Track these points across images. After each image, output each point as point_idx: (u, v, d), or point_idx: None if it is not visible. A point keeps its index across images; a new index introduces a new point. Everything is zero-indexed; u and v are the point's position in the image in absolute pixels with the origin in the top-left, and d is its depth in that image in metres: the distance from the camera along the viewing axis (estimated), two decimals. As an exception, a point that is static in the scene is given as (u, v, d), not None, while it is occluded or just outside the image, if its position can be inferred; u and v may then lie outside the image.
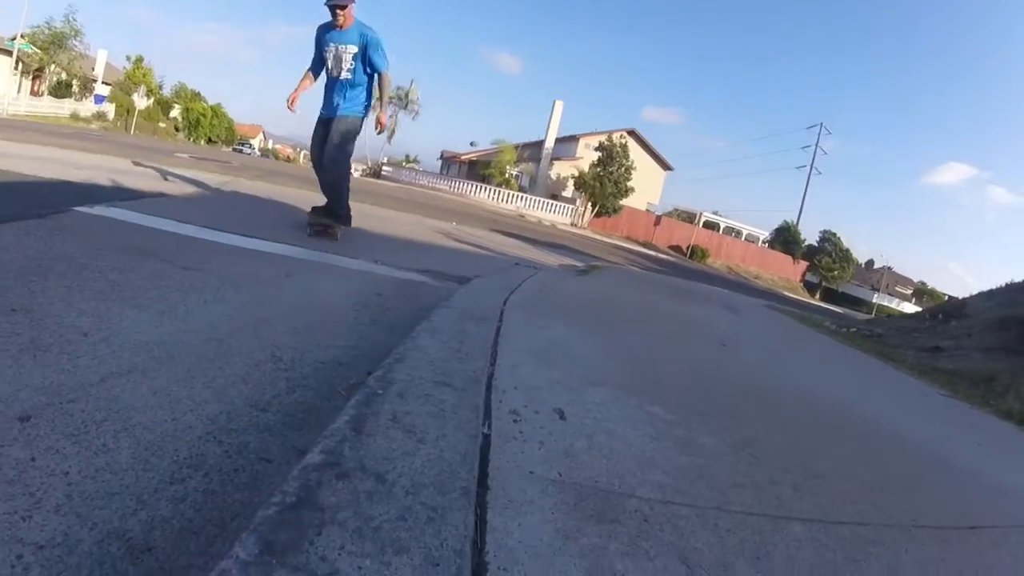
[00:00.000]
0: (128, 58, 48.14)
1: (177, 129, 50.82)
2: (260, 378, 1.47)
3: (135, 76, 45.46)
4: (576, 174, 34.54)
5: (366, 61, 4.28)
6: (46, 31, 36.80)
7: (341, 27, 4.20)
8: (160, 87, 51.47)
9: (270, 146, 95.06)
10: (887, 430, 2.04)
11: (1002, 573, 1.17)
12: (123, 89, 43.74)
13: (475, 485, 0.95)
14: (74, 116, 36.32)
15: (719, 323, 4.25)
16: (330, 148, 4.29)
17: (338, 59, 4.26)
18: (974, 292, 8.69)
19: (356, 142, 4.49)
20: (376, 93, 4.51)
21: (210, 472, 1.06)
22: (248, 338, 1.72)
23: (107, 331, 1.55)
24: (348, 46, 4.25)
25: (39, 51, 36.77)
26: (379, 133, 4.11)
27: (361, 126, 4.48)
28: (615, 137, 34.78)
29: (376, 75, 4.37)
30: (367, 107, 4.51)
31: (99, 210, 3.22)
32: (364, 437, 0.98)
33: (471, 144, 49.82)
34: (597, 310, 3.31)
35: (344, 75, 4.30)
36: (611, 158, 33.02)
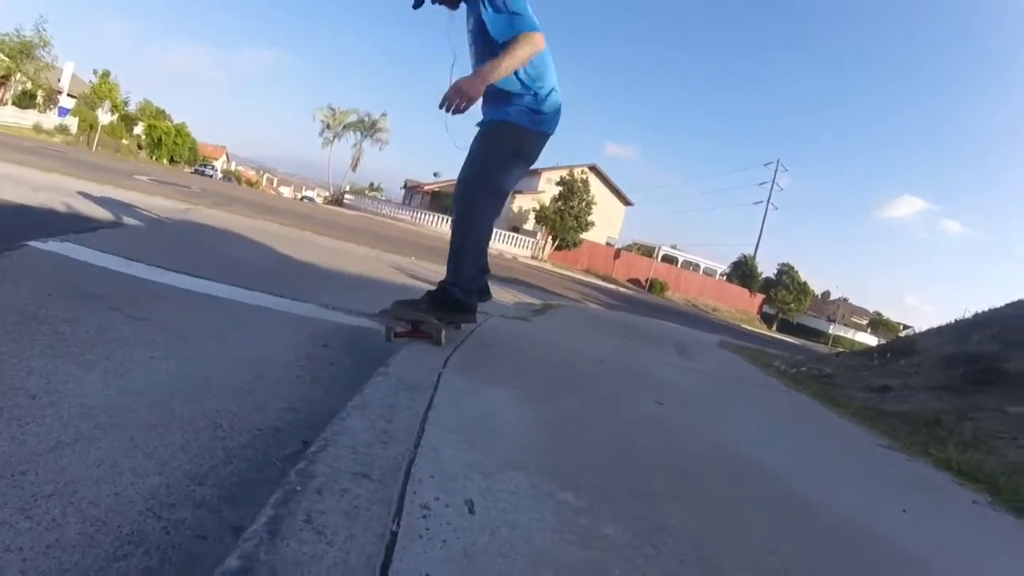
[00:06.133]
0: (95, 72, 47.77)
1: (140, 147, 50.13)
2: (199, 447, 1.51)
3: (101, 91, 45.06)
4: (537, 207, 35.01)
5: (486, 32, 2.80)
6: (15, 39, 36.14)
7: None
8: (125, 103, 51.02)
9: (233, 167, 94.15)
10: (810, 500, 2.08)
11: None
12: (88, 103, 43.26)
13: (374, 591, 0.98)
14: (36, 128, 35.83)
15: (665, 373, 4.33)
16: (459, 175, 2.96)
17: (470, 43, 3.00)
18: (929, 322, 8.80)
19: (485, 167, 2.92)
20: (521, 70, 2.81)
21: (149, 549, 1.10)
22: (190, 401, 1.77)
23: (55, 393, 1.59)
24: (468, 19, 2.97)
25: (6, 59, 36.13)
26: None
27: (513, 140, 2.95)
28: (576, 172, 35.45)
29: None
30: (523, 106, 2.91)
31: (52, 246, 3.29)
32: (278, 540, 1.01)
33: (435, 175, 50.00)
34: (541, 366, 3.36)
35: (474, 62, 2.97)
36: (572, 192, 33.63)
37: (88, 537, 1.10)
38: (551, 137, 3.11)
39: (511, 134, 2.93)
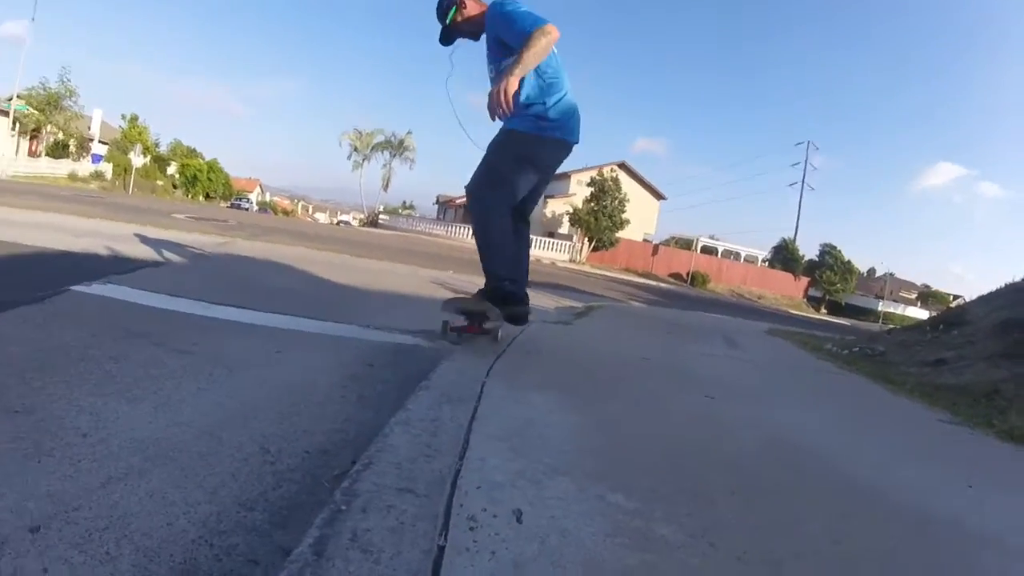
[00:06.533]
0: (123, 116, 49.22)
1: (175, 186, 51.46)
2: (248, 473, 1.52)
3: (131, 134, 46.34)
4: (570, 210, 34.92)
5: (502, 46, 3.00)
6: (41, 92, 37.43)
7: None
8: (156, 145, 52.37)
9: (268, 199, 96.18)
10: (871, 486, 2.00)
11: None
12: (119, 148, 44.51)
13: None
14: (72, 176, 36.99)
15: (712, 365, 4.25)
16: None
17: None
18: (976, 290, 8.55)
19: (486, 174, 3.11)
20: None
21: None
22: (238, 429, 1.78)
23: (105, 431, 1.63)
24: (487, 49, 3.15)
25: (35, 112, 37.39)
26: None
27: (517, 146, 3.08)
28: (606, 171, 35.28)
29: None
30: (530, 115, 3.05)
31: (95, 288, 3.38)
32: (324, 561, 1.01)
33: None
34: (585, 368, 3.32)
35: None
36: (604, 192, 33.44)
37: (142, 568, 1.11)
38: (572, 142, 3.19)
39: (514, 140, 3.07)
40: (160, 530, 1.23)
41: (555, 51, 2.97)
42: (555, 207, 38.55)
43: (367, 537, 1.10)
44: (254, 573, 1.15)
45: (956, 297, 47.65)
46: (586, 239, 35.13)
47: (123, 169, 40.97)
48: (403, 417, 1.76)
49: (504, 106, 2.68)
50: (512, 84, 2.67)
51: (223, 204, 52.36)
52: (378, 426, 1.77)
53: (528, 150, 3.09)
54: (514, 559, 1.11)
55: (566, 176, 39.10)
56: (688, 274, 38.75)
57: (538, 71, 2.94)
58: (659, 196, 46.36)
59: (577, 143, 3.22)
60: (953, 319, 7.49)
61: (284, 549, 1.20)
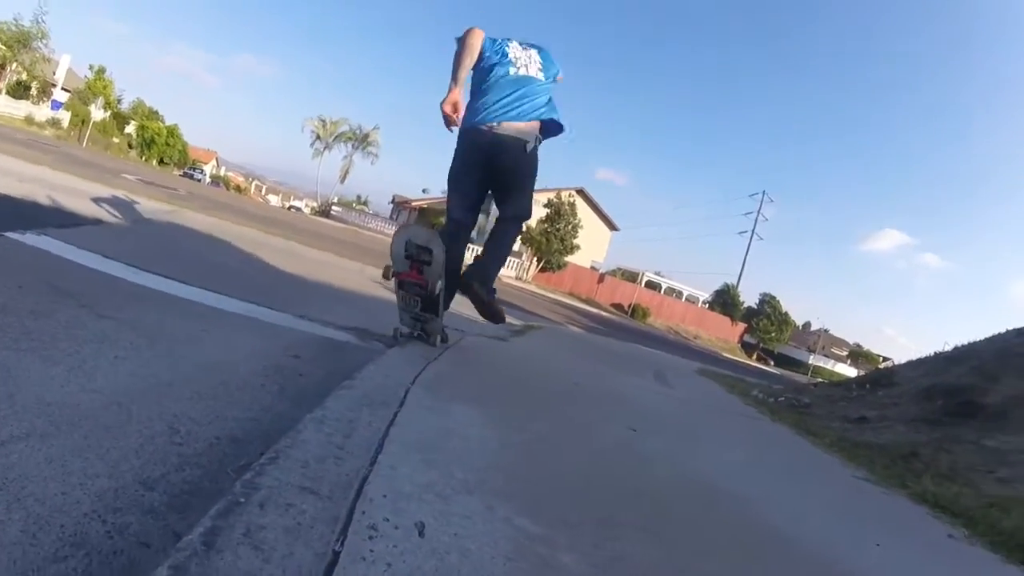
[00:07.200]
0: (91, 67, 47.20)
1: (130, 146, 49.70)
2: (153, 452, 1.46)
3: (95, 86, 44.58)
4: (523, 229, 35.02)
5: None
6: (13, 28, 35.82)
7: None
8: (119, 101, 50.50)
9: (223, 173, 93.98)
10: (782, 532, 2.04)
11: None
12: (81, 98, 42.78)
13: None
14: (28, 119, 35.49)
15: (640, 398, 4.29)
16: None
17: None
18: (906, 354, 8.87)
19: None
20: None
21: (91, 553, 1.06)
22: (150, 404, 1.71)
23: (13, 386, 1.57)
24: None
25: (3, 47, 35.78)
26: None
27: (459, 143, 3.36)
28: (564, 195, 35.61)
29: None
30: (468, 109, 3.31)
31: (29, 238, 3.27)
32: (212, 553, 0.96)
33: (423, 191, 50.07)
34: (514, 386, 3.31)
35: None
36: (559, 215, 33.75)
37: (30, 536, 1.06)
38: (475, 126, 3.22)
39: (459, 138, 3.31)
40: (54, 498, 1.18)
41: (492, 43, 3.25)
42: (509, 223, 38.72)
43: (261, 534, 1.05)
44: (143, 556, 1.10)
45: (886, 359, 49.59)
46: (535, 259, 35.33)
47: (81, 120, 39.49)
48: (319, 415, 1.71)
49: (449, 121, 3.08)
50: (450, 93, 3.03)
51: (176, 172, 50.86)
52: (293, 420, 1.71)
53: (463, 143, 3.30)
54: (409, 573, 1.07)
55: (524, 194, 39.34)
56: (630, 306, 39.33)
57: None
58: (612, 227, 47.06)
59: (486, 125, 3.19)
60: (880, 380, 7.77)
61: (178, 535, 1.16)
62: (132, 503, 1.24)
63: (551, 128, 3.43)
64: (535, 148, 3.28)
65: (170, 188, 13.83)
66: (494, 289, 3.45)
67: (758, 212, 54.11)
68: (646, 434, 2.94)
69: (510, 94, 3.18)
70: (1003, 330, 7.61)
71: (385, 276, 3.16)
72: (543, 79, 3.30)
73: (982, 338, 7.62)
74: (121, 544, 1.11)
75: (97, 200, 5.75)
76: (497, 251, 3.45)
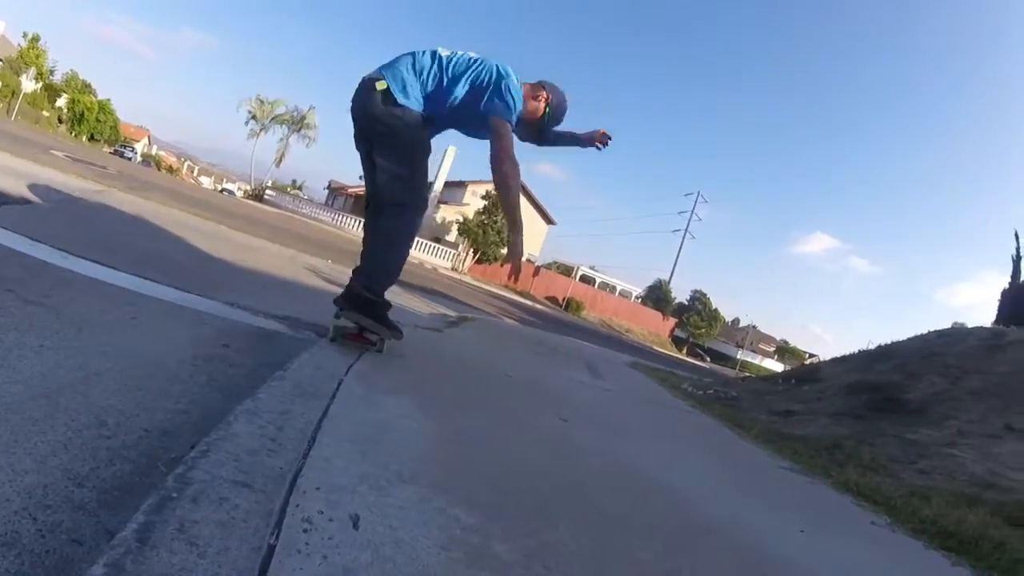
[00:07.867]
0: (25, 35, 44.23)
1: (60, 121, 47.12)
2: (81, 446, 1.42)
3: (28, 56, 41.91)
4: (461, 220, 34.94)
5: None
6: None
7: None
8: (51, 72, 47.69)
9: (154, 151, 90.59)
10: (708, 519, 2.11)
11: None
12: (12, 68, 40.12)
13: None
14: (-49, 88, 32.90)
15: (572, 390, 4.36)
16: None
17: None
18: (831, 352, 9.22)
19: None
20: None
21: (23, 552, 1.04)
22: (77, 395, 1.66)
23: None
24: None
25: None
26: None
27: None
28: (502, 187, 35.47)
29: None
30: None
31: None
32: (147, 549, 0.94)
33: (360, 178, 49.47)
34: (448, 377, 3.32)
35: None
36: (496, 207, 33.76)
37: None
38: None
39: None
40: (-18, 496, 1.14)
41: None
42: (447, 214, 38.54)
43: (195, 529, 1.04)
44: (76, 554, 1.08)
45: (811, 355, 51.82)
46: (471, 250, 35.30)
47: (11, 92, 37.13)
48: (251, 406, 1.68)
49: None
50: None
51: (107, 149, 48.74)
52: (224, 412, 1.68)
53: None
54: (345, 565, 1.07)
55: (462, 185, 39.27)
56: (564, 299, 39.80)
57: None
58: (549, 221, 47.41)
59: (353, 107, 2.92)
60: (806, 375, 8.10)
61: (111, 532, 1.14)
62: (62, 500, 1.20)
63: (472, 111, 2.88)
64: (393, 101, 2.76)
65: (100, 166, 13.26)
66: (374, 294, 2.98)
67: (692, 211, 55.52)
68: (578, 425, 2.99)
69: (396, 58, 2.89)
70: (925, 331, 8.09)
71: (334, 336, 2.97)
72: (446, 56, 2.88)
73: (905, 338, 8.05)
74: (53, 543, 1.08)
75: (23, 177, 5.50)
76: (372, 246, 3.09)
